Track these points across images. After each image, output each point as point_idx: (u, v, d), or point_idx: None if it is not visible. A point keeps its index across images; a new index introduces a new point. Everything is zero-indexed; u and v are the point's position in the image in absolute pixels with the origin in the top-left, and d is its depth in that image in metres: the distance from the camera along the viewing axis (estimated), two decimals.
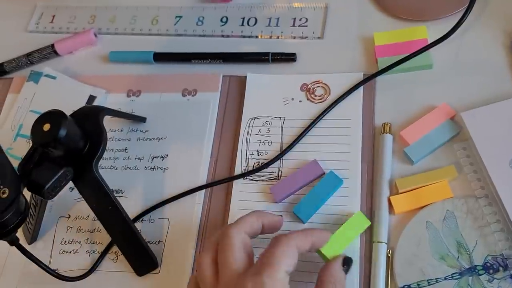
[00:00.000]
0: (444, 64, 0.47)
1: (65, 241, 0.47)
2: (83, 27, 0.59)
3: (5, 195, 0.34)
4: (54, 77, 0.55)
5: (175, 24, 0.57)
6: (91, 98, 0.53)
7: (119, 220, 0.42)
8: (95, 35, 0.58)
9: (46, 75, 0.55)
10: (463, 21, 0.45)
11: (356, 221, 0.40)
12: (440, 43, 0.45)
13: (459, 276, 0.38)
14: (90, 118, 0.43)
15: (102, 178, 0.41)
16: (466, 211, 0.40)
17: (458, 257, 0.39)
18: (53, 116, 0.39)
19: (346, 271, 0.38)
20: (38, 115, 0.39)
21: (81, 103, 0.53)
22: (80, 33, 0.58)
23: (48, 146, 0.38)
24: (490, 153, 0.41)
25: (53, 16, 0.61)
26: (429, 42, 0.47)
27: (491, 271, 0.38)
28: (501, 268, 0.38)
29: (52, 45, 0.57)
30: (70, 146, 0.40)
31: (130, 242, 0.43)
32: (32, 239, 0.47)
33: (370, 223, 0.41)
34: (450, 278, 0.38)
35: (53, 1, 0.62)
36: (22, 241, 0.42)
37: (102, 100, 0.53)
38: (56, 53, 0.58)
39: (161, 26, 0.57)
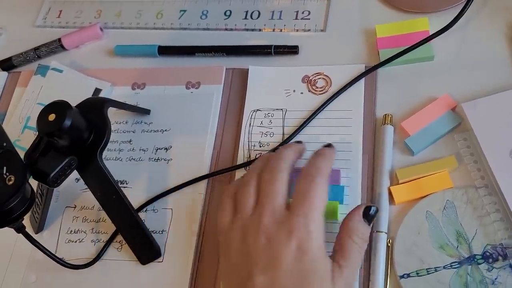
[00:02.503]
0: (445, 55, 0.47)
1: (71, 231, 0.48)
2: (89, 22, 0.60)
3: (11, 182, 0.35)
4: (61, 71, 0.56)
5: (179, 18, 0.57)
6: (97, 91, 0.54)
7: (123, 210, 0.43)
8: (101, 29, 0.59)
9: (53, 69, 0.56)
10: (464, 13, 0.45)
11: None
12: (441, 34, 0.46)
13: (458, 265, 0.38)
14: (95, 109, 0.44)
15: (107, 168, 0.42)
16: (466, 201, 0.40)
17: (457, 247, 0.39)
18: (58, 107, 0.40)
19: (369, 222, 0.37)
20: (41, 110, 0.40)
21: (87, 95, 0.53)
22: (86, 27, 0.59)
23: (53, 135, 0.39)
24: (491, 144, 0.41)
25: (60, 11, 0.62)
26: (430, 34, 0.47)
27: (490, 260, 0.38)
28: (500, 257, 0.38)
29: (59, 40, 0.58)
30: (75, 136, 0.41)
31: (134, 231, 0.44)
32: (38, 229, 0.48)
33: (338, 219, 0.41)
34: (449, 267, 0.38)
35: None
36: (29, 231, 0.43)
37: (108, 93, 0.54)
38: (63, 47, 0.59)
39: (166, 20, 0.58)
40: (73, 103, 0.42)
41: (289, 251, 0.34)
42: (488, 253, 0.38)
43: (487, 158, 0.40)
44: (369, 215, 0.37)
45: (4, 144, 0.33)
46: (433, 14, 0.49)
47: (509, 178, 0.39)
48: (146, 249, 0.44)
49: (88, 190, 0.49)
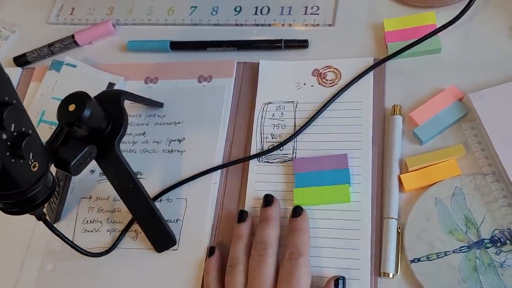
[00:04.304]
0: (452, 48, 0.48)
1: (87, 221, 0.49)
2: (101, 18, 0.62)
3: (35, 169, 0.36)
4: (74, 66, 0.57)
5: (190, 14, 0.59)
6: (110, 85, 0.55)
7: (139, 198, 0.44)
8: (113, 25, 0.60)
9: (67, 64, 0.58)
10: (470, 6, 0.47)
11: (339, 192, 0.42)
12: (448, 27, 0.47)
13: (467, 249, 0.40)
14: (112, 100, 0.45)
15: (124, 157, 0.43)
16: (474, 187, 0.41)
17: (466, 231, 0.40)
18: (78, 97, 0.41)
19: None
20: (61, 100, 0.42)
21: (101, 90, 0.54)
22: (99, 24, 0.60)
23: (73, 125, 0.40)
24: (497, 132, 0.42)
25: (73, 8, 0.63)
26: (437, 27, 0.48)
27: (498, 244, 0.39)
28: (508, 241, 0.39)
29: (73, 36, 0.60)
30: (94, 125, 0.42)
31: (150, 219, 0.45)
32: (55, 219, 0.49)
33: (350, 201, 0.43)
34: (459, 251, 0.40)
35: None
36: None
37: (121, 87, 0.55)
38: (76, 44, 0.60)
39: (177, 16, 0.59)
40: None
41: None
42: (496, 237, 0.39)
43: (494, 146, 0.41)
44: (340, 285, 0.40)
45: (30, 131, 0.35)
46: (439, 8, 0.50)
47: None
48: (162, 238, 0.45)
49: (103, 181, 0.50)
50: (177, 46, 0.56)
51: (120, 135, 0.43)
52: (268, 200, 0.43)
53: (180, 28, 0.58)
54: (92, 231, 0.49)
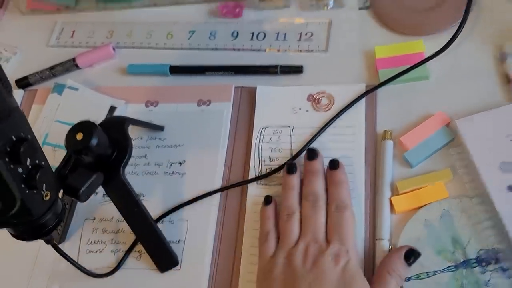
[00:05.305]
0: (439, 75, 0.51)
1: (91, 241, 0.51)
2: (101, 42, 0.63)
3: (47, 198, 0.38)
4: (76, 89, 0.59)
5: (188, 39, 0.61)
6: (112, 108, 0.57)
7: (143, 221, 0.46)
8: (114, 49, 0.62)
9: (69, 87, 0.59)
10: (457, 37, 0.49)
11: None
12: (435, 57, 0.50)
13: (454, 269, 0.42)
14: (117, 127, 0.47)
15: (129, 182, 0.45)
16: (460, 209, 0.44)
17: (453, 252, 0.43)
18: (85, 126, 0.43)
19: (409, 264, 0.41)
20: (64, 125, 0.43)
21: (103, 113, 0.57)
22: (99, 47, 0.62)
23: (81, 153, 0.42)
24: (482, 157, 0.45)
25: (73, 31, 0.65)
26: (425, 55, 0.51)
27: (483, 263, 0.42)
28: (492, 261, 0.42)
29: (74, 59, 0.61)
30: (100, 153, 0.44)
31: (153, 241, 0.47)
32: (60, 240, 0.51)
33: None
34: (447, 271, 0.42)
35: (73, 17, 0.67)
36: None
37: (122, 110, 0.57)
38: (77, 66, 0.62)
39: (176, 40, 0.61)
40: (91, 119, 0.44)
41: (334, 271, 0.40)
42: (481, 257, 0.42)
43: (479, 170, 0.44)
44: (410, 257, 0.41)
45: (43, 163, 0.36)
46: (427, 36, 0.53)
47: (499, 188, 0.43)
48: (164, 258, 0.47)
49: (107, 202, 0.52)
50: (176, 70, 0.58)
51: (125, 161, 0.45)
52: (313, 154, 0.47)
53: (179, 52, 0.61)
54: (96, 252, 0.50)
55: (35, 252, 0.51)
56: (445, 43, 0.50)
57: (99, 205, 0.53)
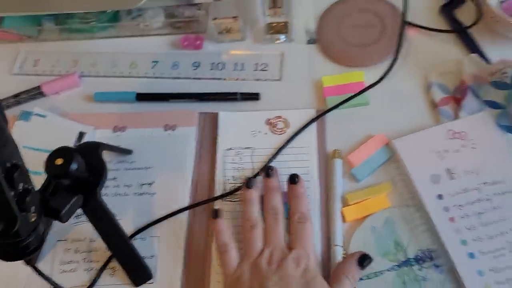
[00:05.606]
0: (378, 101, 0.59)
1: (64, 262, 0.53)
2: (66, 70, 0.66)
3: (33, 219, 0.40)
4: (44, 116, 0.62)
5: (152, 68, 0.65)
6: (81, 134, 0.60)
7: (119, 238, 0.50)
8: (79, 77, 0.65)
9: (36, 114, 0.62)
10: (391, 69, 0.58)
11: None
12: (374, 86, 0.58)
13: (397, 268, 0.49)
14: (92, 152, 0.50)
15: (105, 203, 0.49)
16: (400, 216, 0.51)
17: (396, 253, 0.50)
18: (64, 152, 0.46)
19: (362, 267, 0.47)
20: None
21: (72, 139, 0.59)
22: (65, 75, 0.65)
23: (60, 177, 0.45)
24: (415, 171, 0.52)
25: (37, 60, 0.68)
26: (365, 84, 0.59)
27: (420, 262, 0.49)
28: (428, 259, 0.49)
29: (39, 86, 0.64)
30: (79, 176, 0.47)
31: (128, 257, 0.50)
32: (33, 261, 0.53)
33: None
34: (391, 270, 0.49)
35: (36, 46, 0.69)
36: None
37: (91, 136, 0.60)
38: (42, 94, 0.64)
39: (140, 69, 0.65)
40: (60, 145, 0.47)
41: (296, 273, 0.45)
42: (419, 257, 0.49)
43: (413, 182, 0.52)
44: (363, 262, 0.47)
45: (30, 187, 0.39)
46: (367, 67, 0.61)
47: (430, 197, 0.51)
48: (139, 273, 0.51)
49: (79, 224, 0.55)
50: (142, 97, 0.62)
51: (102, 183, 0.48)
52: (270, 172, 0.52)
53: (143, 80, 0.65)
54: (69, 271, 0.53)
55: (6, 274, 0.52)
56: (382, 74, 0.58)
57: (72, 227, 0.55)
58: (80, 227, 0.55)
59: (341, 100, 0.58)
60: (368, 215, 0.52)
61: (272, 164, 0.56)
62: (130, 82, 0.65)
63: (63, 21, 0.68)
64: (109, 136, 0.60)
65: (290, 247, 0.48)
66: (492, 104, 0.56)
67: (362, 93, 0.58)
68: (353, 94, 0.58)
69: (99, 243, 0.54)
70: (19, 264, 0.45)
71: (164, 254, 0.52)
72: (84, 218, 0.56)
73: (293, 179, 0.52)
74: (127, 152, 0.58)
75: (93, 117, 0.62)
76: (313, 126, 0.58)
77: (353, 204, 0.52)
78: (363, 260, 0.47)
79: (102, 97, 0.63)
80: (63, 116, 0.62)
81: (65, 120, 0.61)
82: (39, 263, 0.53)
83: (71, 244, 0.54)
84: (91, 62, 0.67)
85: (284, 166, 0.55)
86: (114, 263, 0.52)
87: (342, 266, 0.47)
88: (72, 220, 0.55)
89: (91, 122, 0.61)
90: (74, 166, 0.45)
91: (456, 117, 0.56)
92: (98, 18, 0.68)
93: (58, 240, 0.55)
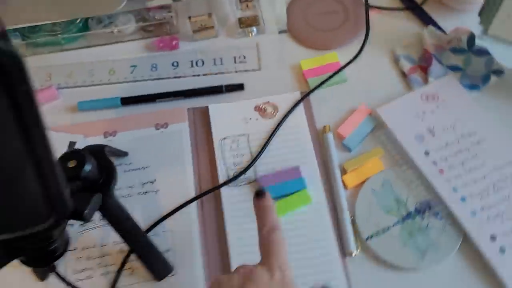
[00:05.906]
0: (354, 77, 0.63)
1: (78, 270, 0.52)
2: (41, 85, 0.65)
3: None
4: None
5: (131, 72, 0.66)
6: (71, 143, 0.59)
7: (138, 235, 0.50)
8: (56, 89, 0.64)
9: None
10: (363, 48, 0.63)
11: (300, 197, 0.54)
12: (349, 64, 0.62)
13: (402, 222, 0.53)
14: (97, 153, 0.50)
15: (120, 201, 0.49)
16: (395, 176, 0.56)
17: (398, 209, 0.54)
18: (76, 154, 0.46)
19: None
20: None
21: (62, 149, 0.58)
22: (42, 89, 0.64)
23: (76, 179, 0.45)
24: (401, 134, 0.57)
25: None
26: (340, 64, 0.63)
27: (421, 212, 0.54)
28: (427, 209, 0.54)
29: None
30: (92, 178, 0.47)
31: (148, 252, 0.50)
32: (44, 275, 0.51)
33: (311, 202, 0.54)
34: (396, 224, 0.53)
35: None
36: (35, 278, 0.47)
37: (82, 144, 0.59)
38: None
39: (119, 75, 0.65)
40: None
41: (272, 283, 0.39)
42: (418, 208, 0.54)
43: (401, 143, 0.57)
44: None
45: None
46: (338, 49, 0.66)
47: (418, 153, 0.56)
48: (160, 267, 0.51)
49: (85, 231, 0.54)
50: (128, 101, 0.63)
51: (114, 182, 0.49)
52: (260, 193, 0.45)
53: (124, 85, 0.65)
54: (85, 278, 0.52)
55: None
56: (356, 53, 0.63)
57: (78, 235, 0.54)
58: (86, 235, 0.54)
59: (322, 80, 0.62)
60: (366, 179, 0.56)
61: (268, 146, 0.58)
62: (111, 89, 0.65)
63: (30, 36, 0.67)
64: (101, 142, 0.60)
65: (262, 261, 0.42)
66: (454, 68, 0.62)
67: (339, 71, 0.62)
68: (331, 73, 0.62)
69: (111, 247, 0.54)
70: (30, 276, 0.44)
71: (179, 246, 0.53)
72: (89, 225, 0.56)
73: (259, 194, 0.45)
74: (123, 154, 0.58)
75: (80, 127, 0.61)
76: (301, 107, 0.61)
77: (351, 171, 0.56)
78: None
79: (86, 106, 0.63)
80: (48, 129, 0.60)
81: (51, 132, 0.60)
82: (52, 275, 0.52)
83: (82, 252, 0.53)
84: (67, 73, 0.66)
85: (281, 146, 0.58)
86: (131, 263, 0.52)
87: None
88: (77, 228, 0.55)
89: (79, 132, 0.60)
90: (88, 167, 0.45)
91: (425, 82, 0.62)
92: (67, 30, 0.67)
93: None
